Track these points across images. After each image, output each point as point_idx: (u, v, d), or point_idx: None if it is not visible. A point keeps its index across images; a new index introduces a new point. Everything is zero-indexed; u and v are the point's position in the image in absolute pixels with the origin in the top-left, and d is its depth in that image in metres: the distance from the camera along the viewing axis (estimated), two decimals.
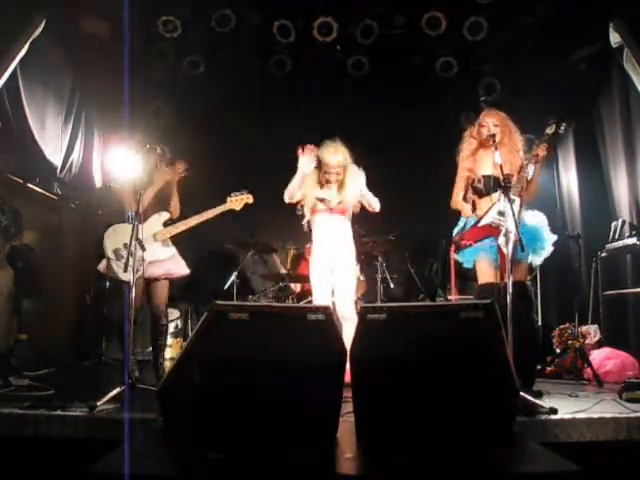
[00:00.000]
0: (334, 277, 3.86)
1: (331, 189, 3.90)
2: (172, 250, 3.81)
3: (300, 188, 3.88)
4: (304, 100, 5.85)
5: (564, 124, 3.35)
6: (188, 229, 3.81)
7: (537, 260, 3.36)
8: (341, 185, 3.88)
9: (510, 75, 5.58)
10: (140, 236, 3.60)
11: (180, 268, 3.83)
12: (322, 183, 3.89)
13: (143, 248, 3.62)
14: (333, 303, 3.87)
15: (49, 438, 2.52)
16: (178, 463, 1.89)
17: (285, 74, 5.58)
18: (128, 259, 3.22)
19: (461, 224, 3.50)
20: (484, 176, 3.42)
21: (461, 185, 3.52)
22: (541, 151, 3.28)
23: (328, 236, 3.87)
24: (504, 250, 3.08)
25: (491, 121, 3.43)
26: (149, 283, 3.77)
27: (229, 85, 5.71)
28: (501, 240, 3.17)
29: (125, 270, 3.24)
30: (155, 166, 3.79)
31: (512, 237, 2.98)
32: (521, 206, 3.08)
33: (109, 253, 3.62)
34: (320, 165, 3.87)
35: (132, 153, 3.46)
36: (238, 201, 3.91)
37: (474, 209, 3.48)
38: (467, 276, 4.48)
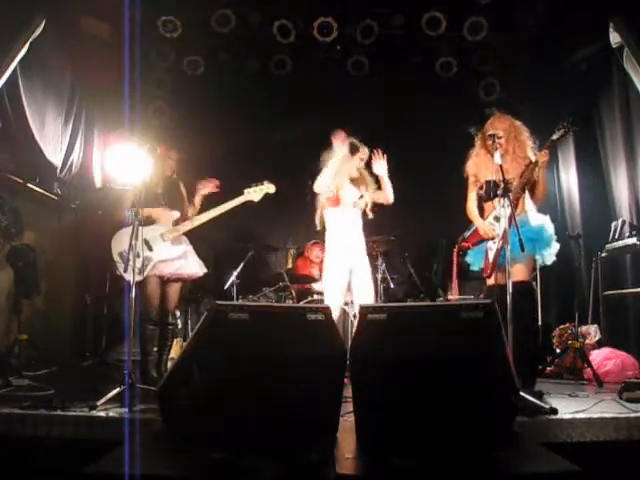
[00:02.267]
0: (352, 275, 3.87)
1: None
2: (183, 248, 3.77)
3: (334, 177, 3.89)
4: (304, 100, 5.85)
5: (574, 129, 3.35)
6: (199, 225, 3.78)
7: (547, 259, 3.36)
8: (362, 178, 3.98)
9: (510, 75, 5.59)
10: (147, 236, 3.63)
11: (190, 267, 3.80)
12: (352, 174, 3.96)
13: (150, 248, 3.64)
14: (351, 302, 3.92)
15: (49, 438, 2.52)
16: (178, 463, 1.89)
17: (285, 74, 5.58)
18: (127, 260, 3.23)
19: (472, 228, 3.61)
20: (486, 181, 3.45)
21: (471, 192, 3.58)
22: (542, 157, 3.29)
23: (346, 232, 3.90)
24: (488, 253, 3.32)
25: (498, 126, 3.43)
26: (163, 283, 3.78)
27: (229, 85, 5.72)
28: (489, 244, 3.37)
29: (125, 270, 3.25)
30: (158, 166, 3.80)
31: (498, 241, 3.07)
32: (516, 209, 3.12)
33: (115, 256, 3.62)
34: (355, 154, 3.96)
35: (139, 152, 3.46)
36: (257, 192, 3.82)
37: (482, 214, 3.54)
38: (467, 276, 4.51)
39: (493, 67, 5.53)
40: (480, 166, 3.51)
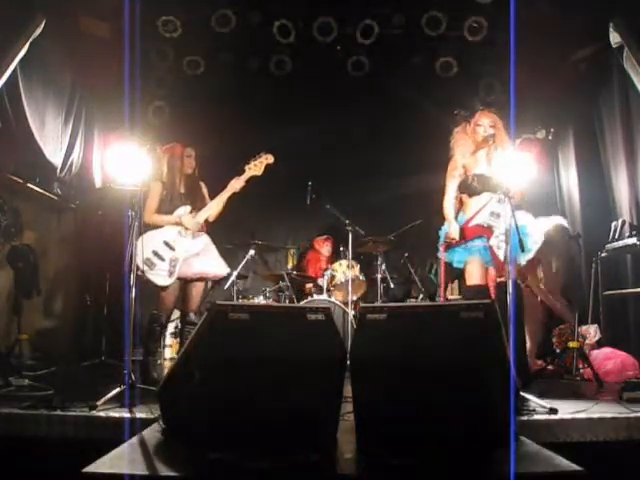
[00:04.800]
0: None
1: None
2: (204, 241, 3.74)
3: None
4: (304, 100, 5.85)
5: (551, 132, 3.36)
6: (213, 214, 3.76)
7: (523, 259, 3.34)
8: None
9: (510, 75, 5.58)
10: (166, 238, 3.66)
11: (213, 265, 3.74)
12: None
13: (172, 248, 3.64)
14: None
15: (49, 438, 2.52)
16: (178, 463, 1.89)
17: (285, 74, 5.58)
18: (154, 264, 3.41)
19: (447, 225, 3.50)
20: (478, 175, 3.40)
21: (454, 186, 3.50)
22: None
23: None
24: (496, 252, 3.16)
25: (487, 121, 3.44)
26: (185, 283, 3.74)
27: (229, 85, 5.72)
28: (493, 242, 3.24)
29: (170, 276, 3.52)
30: (175, 165, 3.81)
31: (505, 239, 3.02)
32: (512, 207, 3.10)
33: (141, 265, 3.54)
34: None
35: (139, 153, 3.45)
36: (258, 165, 3.74)
37: (460, 208, 3.48)
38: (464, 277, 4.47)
39: (493, 67, 5.53)
40: (471, 160, 3.45)
